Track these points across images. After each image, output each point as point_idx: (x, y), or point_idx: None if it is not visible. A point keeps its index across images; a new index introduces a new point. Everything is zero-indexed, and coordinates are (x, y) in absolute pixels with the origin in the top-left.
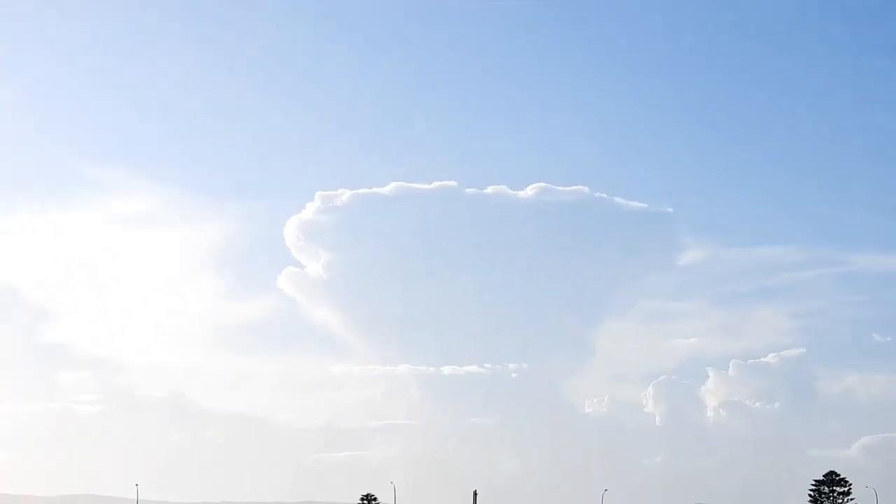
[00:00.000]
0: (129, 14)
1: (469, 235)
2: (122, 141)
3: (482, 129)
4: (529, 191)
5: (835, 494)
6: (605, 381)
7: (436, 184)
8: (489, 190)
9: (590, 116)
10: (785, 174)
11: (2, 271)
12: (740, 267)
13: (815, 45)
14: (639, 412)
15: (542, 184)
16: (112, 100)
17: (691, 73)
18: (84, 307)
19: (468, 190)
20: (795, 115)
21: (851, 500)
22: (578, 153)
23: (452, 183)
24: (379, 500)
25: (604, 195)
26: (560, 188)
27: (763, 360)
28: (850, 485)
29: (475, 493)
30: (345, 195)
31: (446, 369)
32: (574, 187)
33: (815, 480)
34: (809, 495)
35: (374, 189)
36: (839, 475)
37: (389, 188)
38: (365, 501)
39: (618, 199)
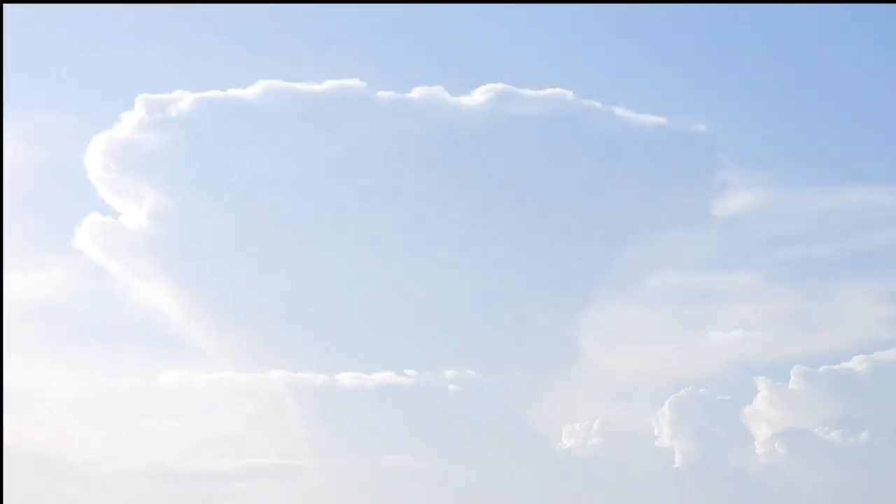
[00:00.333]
0: None
1: (383, 165)
2: None
3: None
4: (479, 95)
5: None
6: (594, 398)
7: (330, 83)
8: (415, 94)
9: None
10: (879, 75)
11: None
12: (812, 220)
13: None
14: (647, 447)
15: (499, 84)
16: None
17: None
18: None
19: (382, 93)
20: None
21: None
22: (557, 37)
23: (356, 82)
24: None
25: (596, 103)
26: (527, 92)
27: (845, 365)
28: None
29: None
30: (183, 100)
31: (345, 378)
32: (549, 90)
33: None
34: None
35: (231, 91)
36: None
37: (255, 90)
38: None
39: (618, 111)
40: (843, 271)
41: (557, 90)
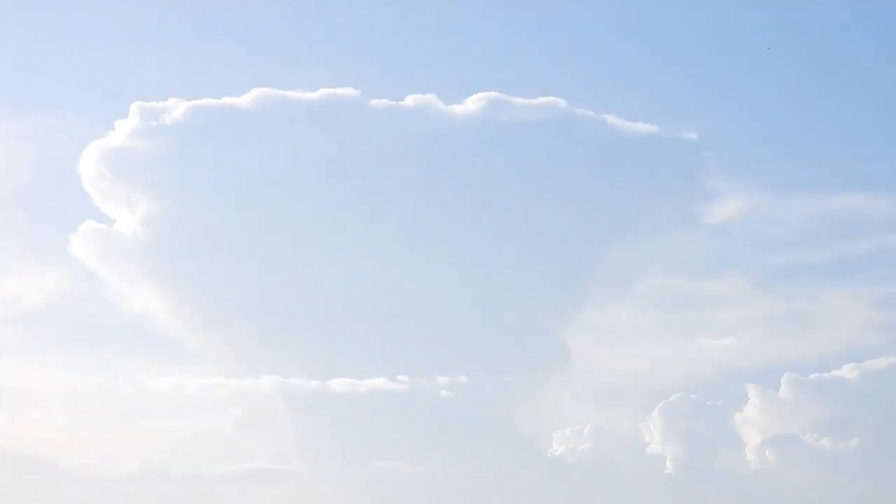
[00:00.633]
0: None
1: (375, 172)
2: None
3: (399, 5)
4: (471, 104)
5: None
6: (585, 402)
7: (324, 91)
8: (408, 102)
9: None
10: (871, 80)
11: None
12: (802, 226)
13: None
14: (639, 453)
15: (492, 93)
16: None
17: None
18: None
19: (375, 102)
20: None
21: None
22: (549, 46)
23: (350, 91)
24: None
25: (589, 112)
26: (519, 100)
27: (835, 373)
28: None
29: None
30: (178, 108)
31: (337, 384)
32: (542, 99)
33: None
34: None
35: (225, 99)
36: None
37: (249, 98)
38: None
39: (611, 119)
40: (833, 278)
41: (550, 98)
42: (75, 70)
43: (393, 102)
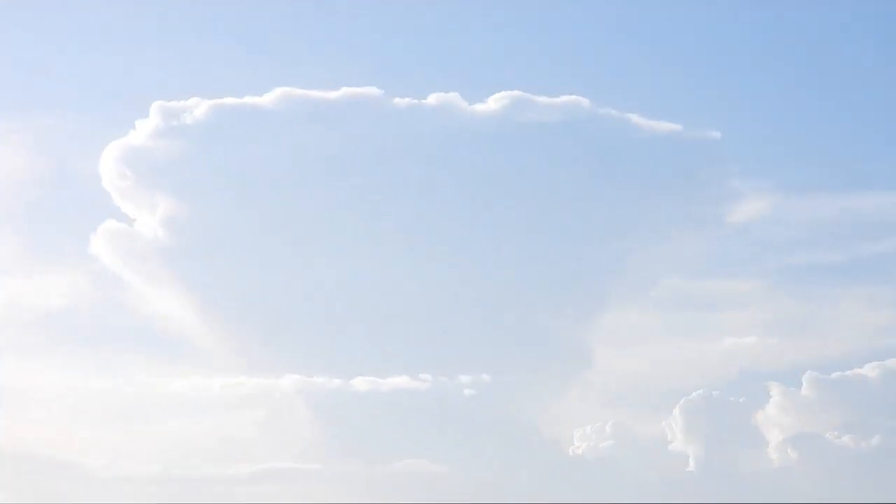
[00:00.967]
0: None
1: (398, 172)
2: None
3: (422, 5)
4: (494, 102)
5: None
6: (607, 402)
7: (346, 90)
8: (431, 100)
9: None
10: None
11: None
12: (824, 227)
13: None
14: (661, 451)
15: (515, 91)
16: None
17: None
18: None
19: (398, 100)
20: None
21: None
22: (572, 44)
23: (373, 90)
24: None
25: (611, 111)
26: (542, 99)
27: (857, 371)
28: None
29: None
30: (199, 108)
31: (360, 383)
32: (564, 98)
33: None
34: None
35: (247, 98)
36: None
37: (271, 97)
38: None
39: (634, 118)
40: (855, 277)
41: (573, 97)
42: (96, 70)
43: (415, 101)
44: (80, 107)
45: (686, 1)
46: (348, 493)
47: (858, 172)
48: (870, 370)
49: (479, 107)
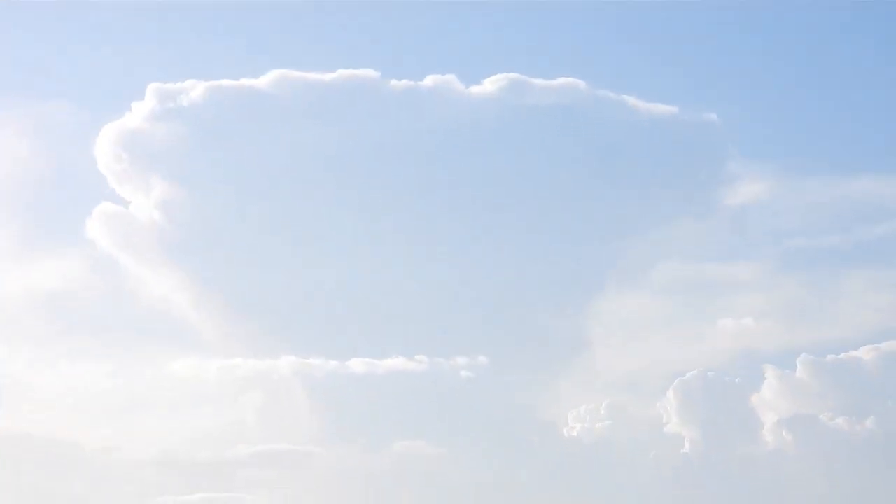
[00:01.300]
0: None
1: (395, 154)
2: None
3: None
4: (490, 85)
5: None
6: (604, 385)
7: (342, 72)
8: (428, 82)
9: None
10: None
11: None
12: (820, 210)
13: None
14: (656, 433)
15: (512, 74)
16: None
17: None
18: None
19: (394, 83)
20: None
21: None
22: (568, 27)
23: (370, 72)
24: None
25: (609, 93)
26: (538, 81)
27: (852, 354)
28: None
29: None
30: (195, 90)
31: (356, 364)
32: (561, 80)
33: None
34: None
35: (243, 81)
36: None
37: (267, 80)
38: None
39: (630, 100)
40: (852, 261)
41: (569, 80)
42: (93, 53)
43: (412, 83)
44: (76, 90)
45: None
46: (346, 474)
47: (856, 156)
48: (865, 353)
49: (475, 89)
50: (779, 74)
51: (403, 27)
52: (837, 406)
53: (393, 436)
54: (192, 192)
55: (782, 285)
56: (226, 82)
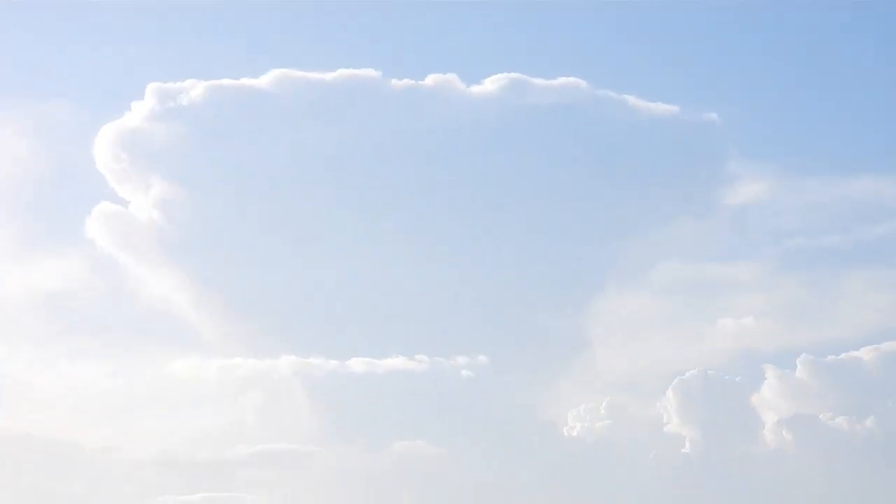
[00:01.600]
0: None
1: (395, 154)
2: None
3: None
4: (490, 84)
5: None
6: (604, 385)
7: (343, 72)
8: (429, 81)
9: None
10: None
11: None
12: (820, 210)
13: None
14: (656, 433)
15: (513, 74)
16: None
17: None
18: None
19: (395, 82)
20: None
21: None
22: (569, 27)
23: (370, 72)
24: None
25: (610, 93)
26: (539, 81)
27: (853, 354)
28: None
29: None
30: (195, 89)
31: (356, 364)
32: (562, 80)
33: None
34: None
35: (244, 80)
36: None
37: (268, 79)
38: None
39: (631, 100)
40: (852, 261)
41: (570, 79)
42: (92, 53)
43: (413, 82)
44: (75, 90)
45: None
46: (346, 474)
47: (856, 155)
48: (865, 353)
49: (476, 89)
50: (779, 74)
51: (404, 26)
52: (837, 406)
53: (393, 435)
54: (191, 192)
55: (782, 285)
56: (226, 82)
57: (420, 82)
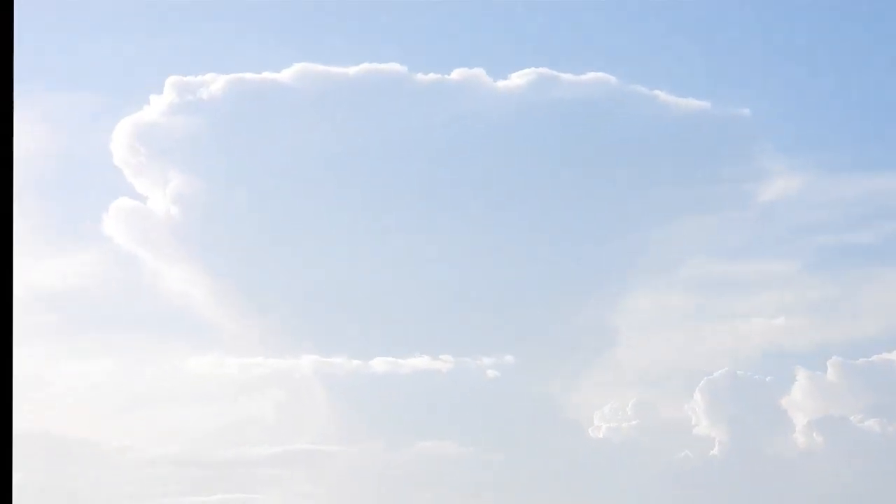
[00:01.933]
0: None
1: (419, 149)
2: None
3: None
4: (518, 79)
5: None
6: (630, 384)
7: (366, 66)
8: (454, 76)
9: None
10: None
11: None
12: (854, 207)
13: None
14: (685, 435)
15: (540, 69)
16: None
17: None
18: None
19: (420, 76)
20: None
21: None
22: (598, 21)
23: (395, 66)
24: None
25: (639, 88)
26: (567, 76)
27: (885, 356)
28: None
29: None
30: (215, 83)
31: (379, 363)
32: (590, 75)
33: None
34: None
35: (266, 74)
36: None
37: (290, 73)
38: None
39: (661, 95)
40: (886, 259)
41: (599, 74)
42: (110, 45)
43: (439, 76)
44: (93, 82)
45: None
46: (368, 473)
47: (891, 152)
48: None
49: (503, 83)
50: (812, 70)
51: (430, 20)
52: (868, 407)
53: (416, 435)
54: (211, 187)
55: (813, 283)
56: (247, 75)
57: (446, 76)
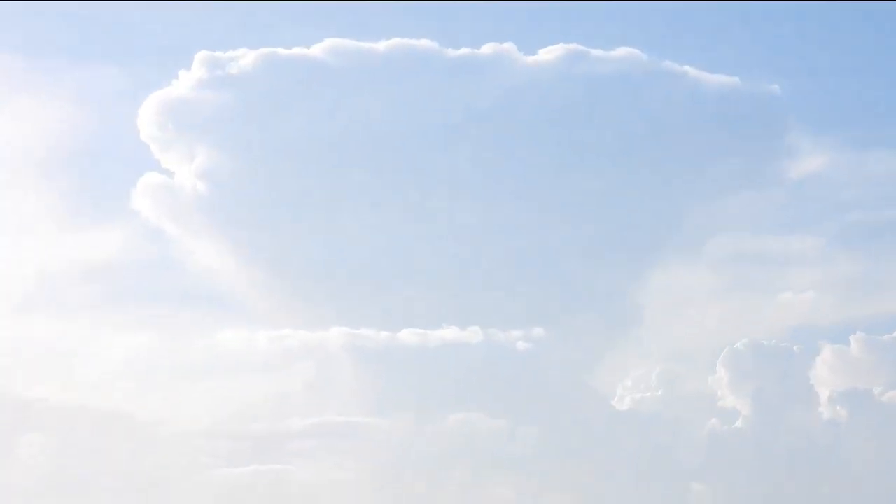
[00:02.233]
0: None
1: (448, 125)
2: None
3: None
4: (547, 55)
5: None
6: (657, 358)
7: (397, 41)
8: (485, 51)
9: None
10: None
11: None
12: (882, 184)
13: None
14: (710, 407)
15: (570, 45)
16: None
17: None
18: None
19: (451, 52)
20: None
21: None
22: None
23: (426, 42)
24: None
25: (669, 64)
26: (597, 52)
27: None
28: None
29: None
30: (245, 58)
31: (408, 335)
32: (620, 50)
33: None
34: None
35: (296, 49)
36: None
37: (321, 48)
38: None
39: (691, 71)
40: None
41: (629, 50)
42: (140, 20)
43: (469, 51)
44: (122, 58)
45: None
46: (398, 445)
47: None
48: None
49: (533, 59)
50: (841, 46)
51: None
52: (891, 381)
53: (445, 408)
54: (238, 162)
55: (841, 260)
56: (278, 50)
57: (476, 51)
